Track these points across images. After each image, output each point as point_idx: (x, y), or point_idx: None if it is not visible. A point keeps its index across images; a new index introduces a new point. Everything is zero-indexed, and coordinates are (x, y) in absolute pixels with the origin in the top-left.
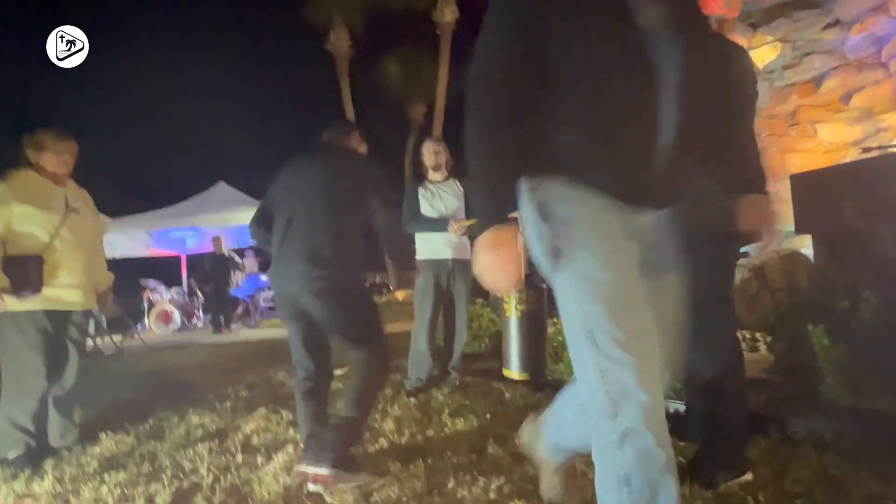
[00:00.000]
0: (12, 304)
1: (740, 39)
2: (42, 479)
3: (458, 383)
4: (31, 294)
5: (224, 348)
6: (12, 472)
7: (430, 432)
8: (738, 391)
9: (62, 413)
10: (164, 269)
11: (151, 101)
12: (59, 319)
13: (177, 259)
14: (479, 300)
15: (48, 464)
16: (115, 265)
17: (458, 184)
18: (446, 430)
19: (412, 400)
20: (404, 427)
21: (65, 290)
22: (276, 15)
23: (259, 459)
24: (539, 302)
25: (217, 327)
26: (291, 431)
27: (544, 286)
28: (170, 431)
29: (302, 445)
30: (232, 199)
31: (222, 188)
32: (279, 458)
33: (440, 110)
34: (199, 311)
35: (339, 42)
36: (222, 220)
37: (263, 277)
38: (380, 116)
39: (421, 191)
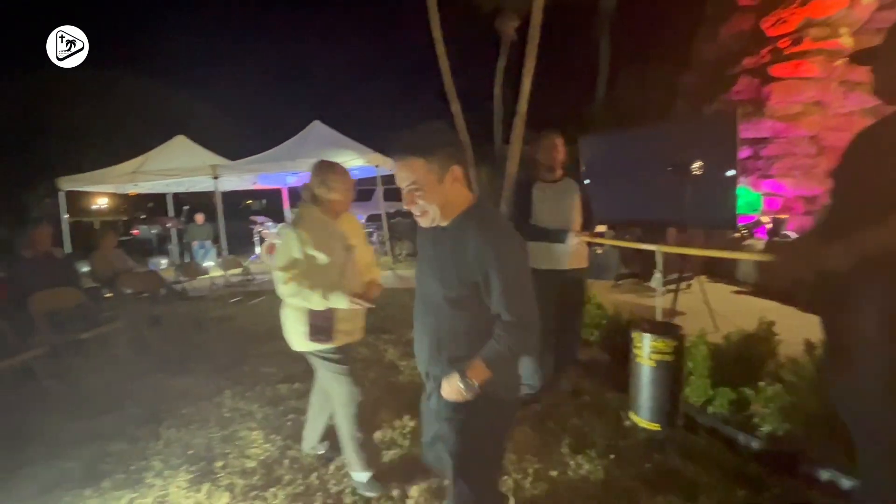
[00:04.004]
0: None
1: None
2: None
3: (569, 390)
4: (325, 342)
5: None
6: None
7: (554, 473)
8: None
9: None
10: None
11: (248, 46)
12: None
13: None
14: None
15: None
16: (227, 198)
17: (574, 184)
18: (569, 472)
19: (526, 413)
20: (526, 462)
21: (350, 335)
22: None
23: (395, 492)
24: (678, 353)
25: None
26: (416, 450)
27: (683, 334)
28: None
29: None
30: (328, 140)
31: (318, 128)
32: (414, 493)
33: (536, 25)
34: None
35: None
36: None
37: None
38: (468, 31)
39: (535, 191)
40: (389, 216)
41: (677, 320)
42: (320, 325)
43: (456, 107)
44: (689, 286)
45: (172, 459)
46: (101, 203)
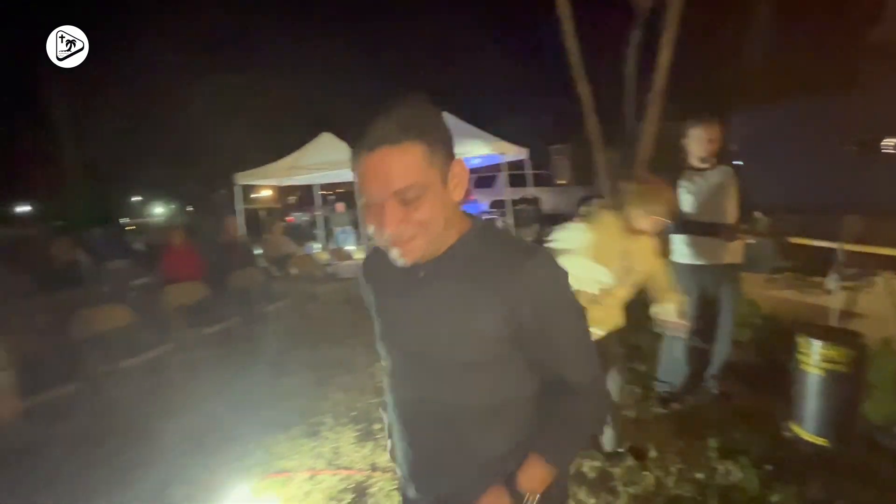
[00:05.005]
0: None
1: None
2: None
3: (715, 392)
4: None
5: None
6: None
7: (700, 475)
8: None
9: None
10: None
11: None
12: None
13: None
14: None
15: None
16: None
17: (729, 171)
18: (717, 476)
19: (666, 412)
20: (668, 461)
21: None
22: None
23: None
24: (856, 363)
25: None
26: None
27: (864, 343)
28: None
29: None
30: (454, 130)
31: (444, 118)
32: None
33: None
34: None
35: None
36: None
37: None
38: (595, 5)
39: (683, 181)
40: (514, 203)
41: (854, 324)
42: None
43: (585, 87)
44: (870, 284)
45: (341, 418)
46: (262, 193)
